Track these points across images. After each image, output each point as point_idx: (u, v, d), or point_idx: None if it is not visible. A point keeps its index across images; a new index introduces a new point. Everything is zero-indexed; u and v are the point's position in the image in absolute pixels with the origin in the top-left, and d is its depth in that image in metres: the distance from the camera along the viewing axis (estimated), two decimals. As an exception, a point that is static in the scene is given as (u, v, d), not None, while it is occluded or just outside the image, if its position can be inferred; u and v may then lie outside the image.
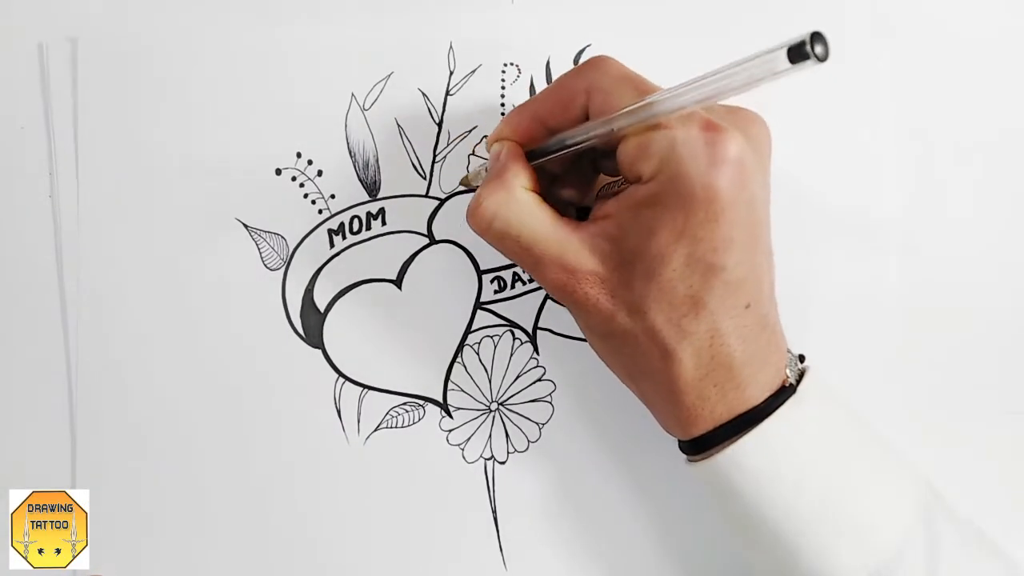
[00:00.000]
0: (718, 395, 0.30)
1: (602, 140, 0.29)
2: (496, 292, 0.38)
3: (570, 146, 0.31)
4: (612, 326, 0.30)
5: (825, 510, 0.30)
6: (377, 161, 0.38)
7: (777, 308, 0.32)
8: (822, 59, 0.21)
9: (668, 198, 0.28)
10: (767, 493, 0.29)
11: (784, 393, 0.30)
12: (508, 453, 0.38)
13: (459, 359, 0.38)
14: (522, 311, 0.38)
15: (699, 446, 0.31)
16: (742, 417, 0.30)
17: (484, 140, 0.34)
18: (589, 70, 0.31)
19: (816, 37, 0.21)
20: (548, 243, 0.30)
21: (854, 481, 0.30)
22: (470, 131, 0.38)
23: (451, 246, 0.38)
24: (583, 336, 0.38)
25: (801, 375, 0.32)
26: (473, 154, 0.38)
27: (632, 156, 0.29)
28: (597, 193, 0.36)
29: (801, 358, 0.33)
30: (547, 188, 0.33)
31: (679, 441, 0.32)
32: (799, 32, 0.21)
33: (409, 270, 0.38)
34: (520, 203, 0.31)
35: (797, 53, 0.21)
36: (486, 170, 0.34)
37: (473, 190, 0.38)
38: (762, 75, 0.23)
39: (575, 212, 0.36)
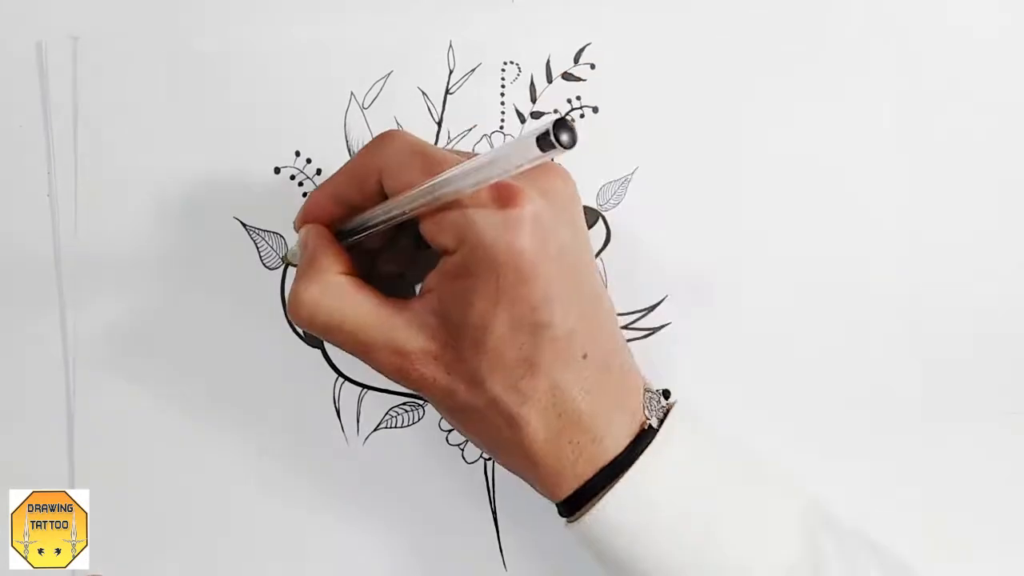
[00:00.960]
0: (575, 452, 0.29)
1: (405, 217, 0.29)
2: (496, 292, 0.38)
3: (372, 227, 0.30)
4: (454, 402, 0.29)
5: (703, 557, 0.29)
6: (376, 160, 0.38)
7: (626, 350, 0.31)
8: (568, 147, 0.21)
9: (475, 267, 0.27)
10: (639, 550, 0.29)
11: (645, 437, 0.30)
12: (508, 453, 0.38)
13: (459, 359, 0.38)
14: (522, 311, 0.38)
15: (573, 505, 0.30)
16: (605, 470, 0.29)
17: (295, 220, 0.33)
18: (379, 147, 0.30)
19: (559, 125, 0.21)
20: (374, 328, 0.29)
21: (730, 520, 0.29)
22: (470, 130, 0.38)
23: (451, 245, 0.38)
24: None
25: (666, 413, 0.31)
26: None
27: (432, 231, 0.28)
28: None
29: (666, 394, 0.32)
30: (370, 265, 0.33)
31: (556, 505, 0.31)
32: (546, 121, 0.22)
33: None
34: (338, 289, 0.29)
35: (544, 142, 0.22)
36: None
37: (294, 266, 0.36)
38: (521, 161, 0.23)
39: (410, 286, 0.35)
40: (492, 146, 0.38)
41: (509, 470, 0.32)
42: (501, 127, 0.38)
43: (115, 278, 0.37)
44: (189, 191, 0.38)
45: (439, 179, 0.26)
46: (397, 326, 0.29)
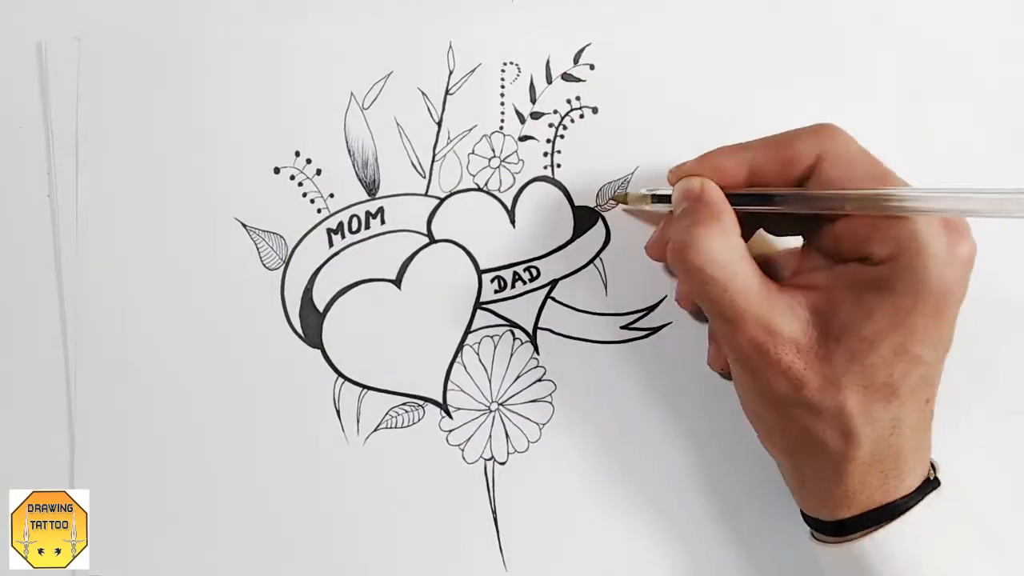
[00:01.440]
0: (879, 482, 0.30)
1: (833, 211, 0.30)
2: (496, 292, 0.38)
3: (779, 203, 0.31)
4: (797, 396, 0.30)
5: None
6: (376, 160, 0.38)
7: None
8: None
9: (899, 285, 0.28)
10: None
11: (928, 486, 0.31)
12: (508, 454, 0.38)
13: (459, 359, 0.38)
14: (522, 311, 0.38)
15: (839, 529, 0.31)
16: (889, 506, 0.30)
17: (672, 169, 0.34)
18: (823, 136, 0.30)
19: None
20: (754, 301, 0.30)
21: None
22: (470, 130, 0.38)
23: (451, 245, 0.38)
24: (585, 337, 0.38)
25: (934, 467, 0.32)
26: (473, 153, 0.38)
27: (863, 236, 0.29)
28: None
29: None
30: None
31: (809, 518, 0.33)
32: None
33: (408, 269, 0.38)
34: (736, 252, 0.30)
35: None
36: (652, 196, 0.35)
37: (624, 204, 0.38)
38: (1019, 211, 0.24)
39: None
40: (492, 146, 0.38)
41: (792, 471, 0.32)
42: (501, 127, 0.38)
43: (115, 278, 0.37)
44: (189, 191, 0.38)
45: (912, 193, 0.27)
46: (776, 307, 0.30)
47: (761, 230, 0.35)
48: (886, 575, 0.30)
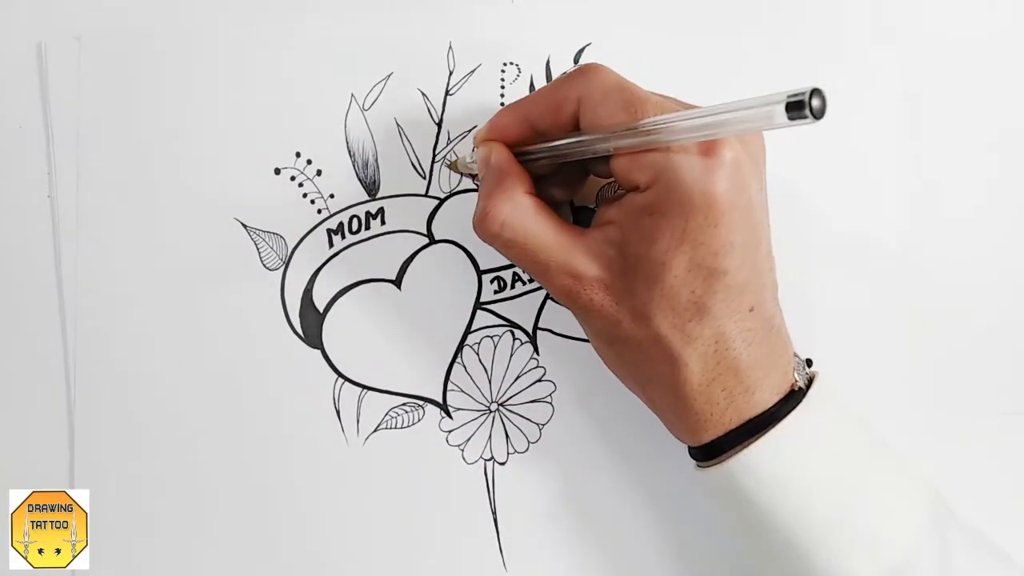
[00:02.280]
0: (727, 399, 0.30)
1: (601, 153, 0.30)
2: (496, 292, 0.38)
3: (562, 155, 0.31)
4: (618, 332, 0.30)
5: (838, 516, 0.29)
6: (376, 161, 0.38)
7: (781, 312, 0.32)
8: (819, 117, 0.22)
9: (666, 205, 0.28)
10: (779, 499, 0.29)
11: (794, 397, 0.30)
12: (508, 454, 0.38)
13: (459, 359, 0.38)
14: (522, 311, 0.38)
15: (709, 452, 0.31)
16: (752, 422, 0.30)
17: (473, 130, 0.35)
18: (580, 78, 0.31)
19: (815, 93, 0.21)
20: (554, 249, 0.30)
21: (867, 487, 0.30)
22: (470, 131, 0.38)
23: (451, 246, 0.38)
24: (584, 337, 0.38)
25: (810, 380, 0.31)
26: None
27: (626, 167, 0.29)
28: (598, 195, 0.36)
29: (808, 362, 0.33)
30: (536, 188, 0.33)
31: (689, 448, 0.32)
32: (799, 86, 0.22)
33: (409, 270, 0.38)
34: (525, 210, 0.31)
35: (796, 112, 0.22)
36: (470, 157, 0.36)
37: (459, 173, 0.38)
38: (758, 126, 0.24)
39: (570, 212, 0.36)
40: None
41: (651, 406, 0.33)
42: (501, 128, 0.38)
43: (115, 278, 0.37)
44: (189, 192, 0.38)
45: (655, 127, 0.27)
46: (575, 251, 0.30)
47: (591, 175, 0.36)
48: (755, 494, 0.29)
